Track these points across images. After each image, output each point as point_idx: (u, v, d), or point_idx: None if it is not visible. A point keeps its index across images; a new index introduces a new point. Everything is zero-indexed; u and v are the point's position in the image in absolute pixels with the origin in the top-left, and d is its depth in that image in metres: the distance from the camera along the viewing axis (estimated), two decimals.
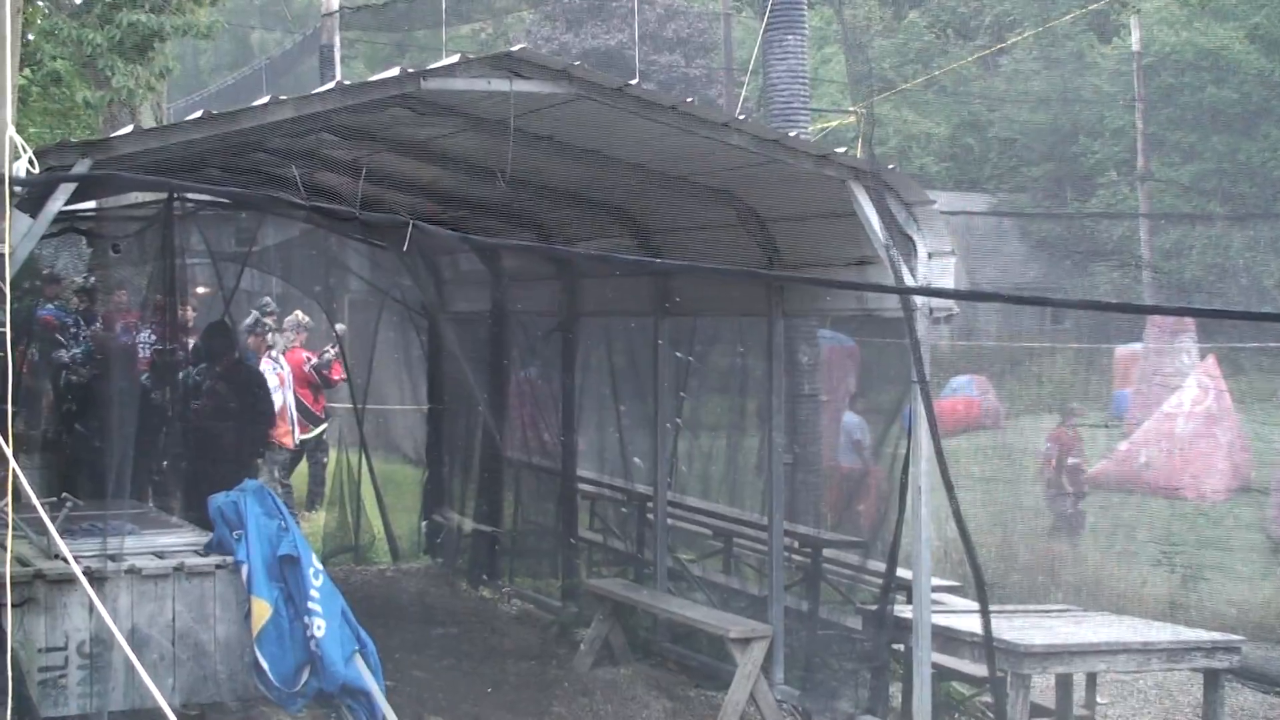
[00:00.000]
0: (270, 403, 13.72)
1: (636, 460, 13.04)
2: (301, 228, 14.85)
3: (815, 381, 13.43)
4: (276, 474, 14.96)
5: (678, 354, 11.83)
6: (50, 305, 13.44)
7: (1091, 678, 10.34)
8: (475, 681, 10.62)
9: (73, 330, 13.10)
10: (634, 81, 8.24)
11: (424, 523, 14.93)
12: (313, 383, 16.87)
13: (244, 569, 7.91)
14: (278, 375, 15.32)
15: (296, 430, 15.88)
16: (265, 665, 7.78)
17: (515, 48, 8.08)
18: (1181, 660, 9.28)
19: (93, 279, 13.81)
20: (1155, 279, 29.51)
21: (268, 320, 15.93)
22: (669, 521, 11.98)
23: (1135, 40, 33.48)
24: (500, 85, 7.94)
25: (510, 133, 8.13)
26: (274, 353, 15.61)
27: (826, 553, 11.45)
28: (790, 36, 13.55)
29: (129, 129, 7.73)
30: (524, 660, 11.24)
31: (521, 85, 7.96)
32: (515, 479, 13.93)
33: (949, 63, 38.07)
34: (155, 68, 16.76)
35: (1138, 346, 23.46)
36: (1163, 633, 9.47)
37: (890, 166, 8.57)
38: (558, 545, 13.08)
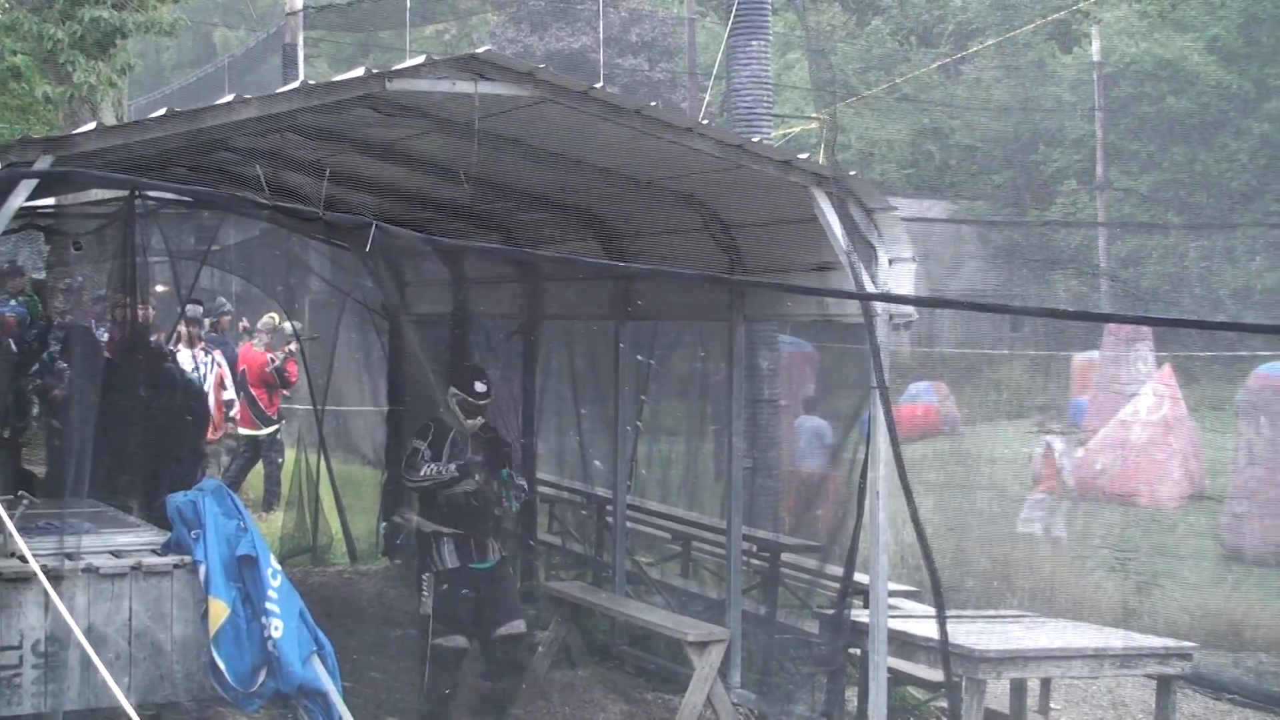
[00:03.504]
0: (202, 401, 13.68)
1: (596, 463, 13.06)
2: (262, 227, 14.80)
3: (775, 387, 13.50)
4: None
5: (639, 358, 11.86)
6: (14, 302, 13.38)
7: (1046, 683, 10.43)
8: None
9: (33, 331, 13.04)
10: (599, 85, 8.25)
11: (383, 524, 14.88)
12: (269, 383, 16.82)
13: (201, 569, 7.88)
14: (218, 371, 15.25)
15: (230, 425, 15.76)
16: (222, 665, 7.75)
17: (480, 49, 8.07)
18: (1134, 666, 9.37)
19: (80, 280, 13.78)
20: (1113, 287, 29.75)
21: (219, 318, 15.93)
22: (628, 525, 12.00)
23: (1095, 50, 33.74)
24: (465, 87, 7.93)
25: (475, 135, 8.14)
26: (244, 343, 15.54)
27: (784, 557, 11.51)
28: (754, 41, 13.61)
29: (92, 126, 7.69)
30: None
31: (486, 87, 7.95)
32: None
33: (911, 70, 38.26)
34: (117, 64, 16.69)
35: (1095, 354, 23.67)
36: (1116, 639, 9.55)
37: (852, 173, 8.62)
38: (516, 548, 13.05)
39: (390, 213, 11.56)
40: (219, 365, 15.37)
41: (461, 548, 9.30)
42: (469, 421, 9.40)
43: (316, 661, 7.85)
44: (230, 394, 15.69)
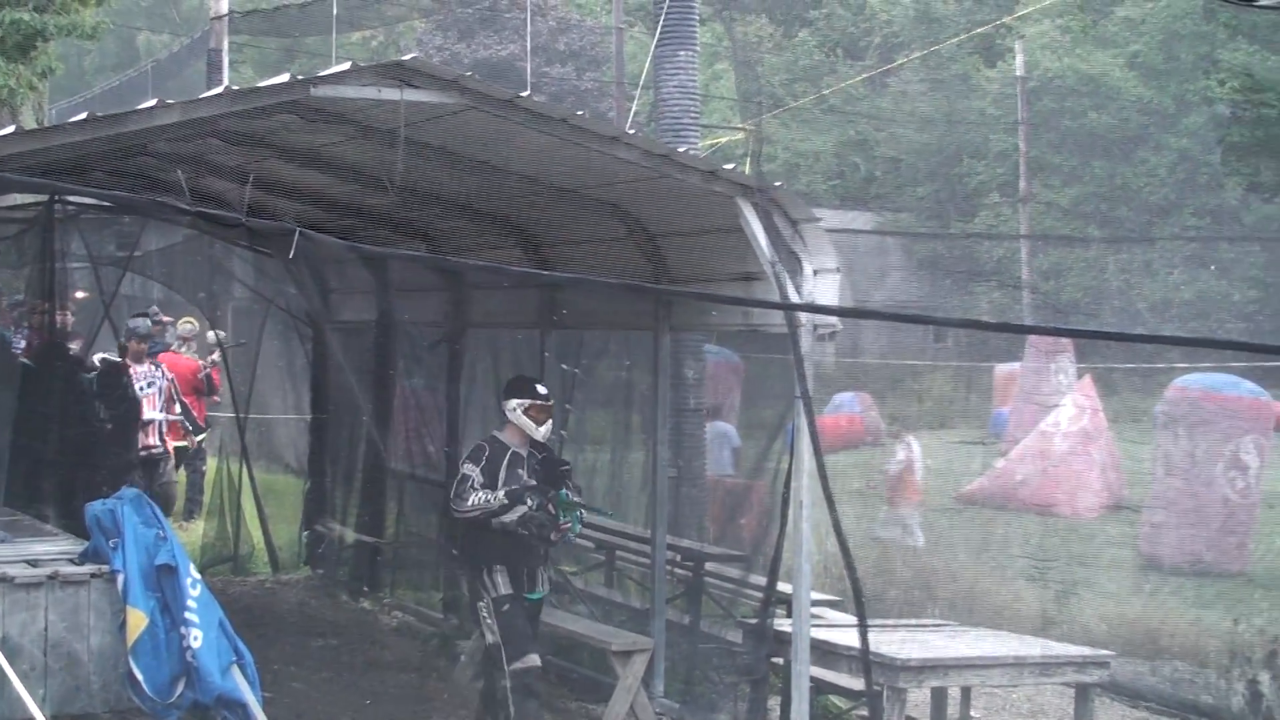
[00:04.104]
0: (136, 410, 13.53)
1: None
2: (185, 233, 14.68)
3: (701, 396, 13.53)
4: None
5: (564, 366, 11.85)
6: None
7: (966, 691, 10.51)
8: (354, 694, 10.54)
9: None
10: (525, 93, 8.25)
11: (305, 533, 14.78)
12: (200, 390, 16.65)
13: (120, 578, 7.78)
14: (166, 382, 15.00)
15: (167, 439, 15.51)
16: (140, 676, 7.66)
17: (406, 56, 8.05)
18: (1053, 674, 9.48)
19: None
20: (1034, 300, 30.10)
21: (157, 324, 15.71)
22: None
23: (1019, 64, 34.11)
24: (391, 94, 7.91)
25: (400, 142, 8.11)
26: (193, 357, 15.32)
27: (709, 566, 11.52)
28: (682, 52, 13.63)
29: (10, 129, 7.61)
30: (404, 672, 11.18)
31: (412, 94, 7.94)
32: (398, 490, 13.85)
33: (838, 81, 38.52)
34: (37, 67, 16.48)
35: (1016, 366, 23.95)
36: (1035, 647, 9.65)
37: (777, 183, 8.66)
38: (440, 557, 13.02)
39: (314, 219, 11.51)
40: (168, 379, 15.08)
41: (514, 577, 8.98)
42: (541, 429, 9.07)
43: (236, 672, 7.77)
44: (177, 406, 15.46)
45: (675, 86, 13.60)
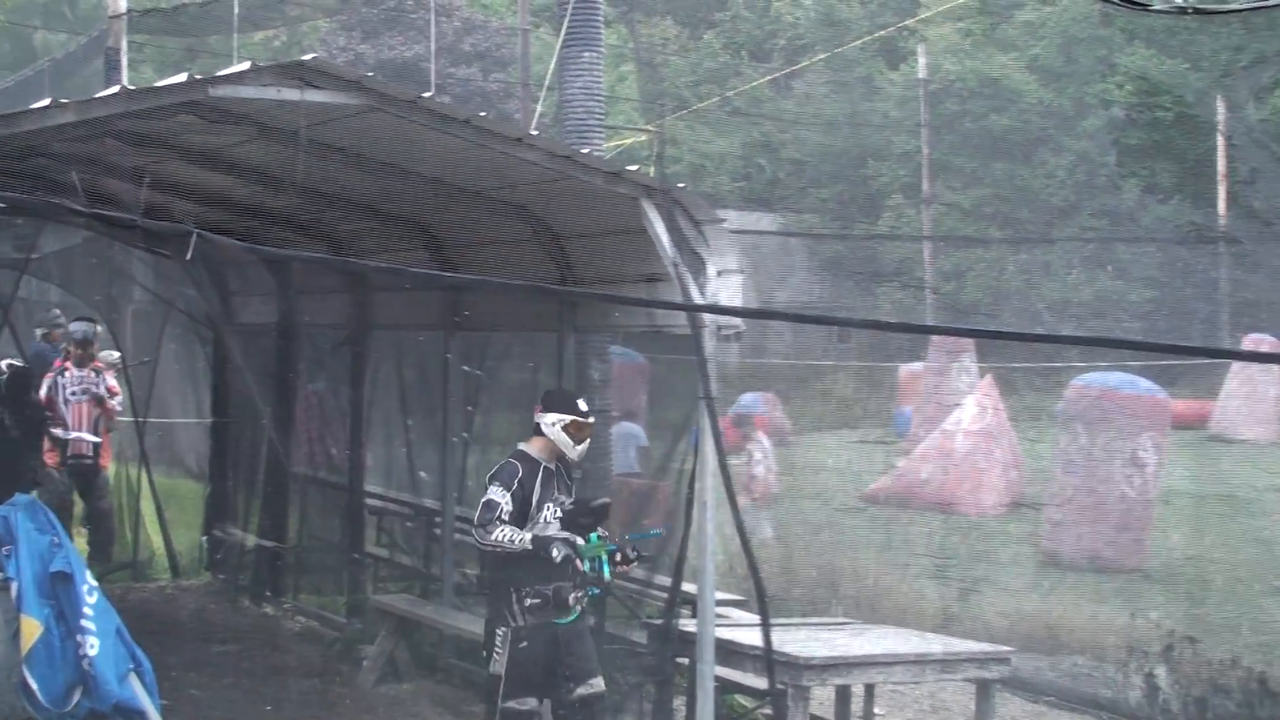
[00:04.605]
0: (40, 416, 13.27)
1: (422, 474, 12.98)
2: (83, 235, 14.45)
3: (607, 398, 13.53)
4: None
5: (466, 368, 11.80)
6: None
7: (869, 689, 10.58)
8: (255, 700, 10.43)
9: None
10: (429, 94, 8.21)
11: (205, 538, 14.62)
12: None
13: (13, 586, 7.67)
14: (103, 390, 14.50)
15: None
16: (34, 685, 7.55)
17: (307, 57, 7.99)
18: (955, 671, 9.57)
19: None
20: (937, 300, 30.42)
21: (51, 331, 15.41)
22: (457, 536, 11.93)
23: (922, 67, 34.48)
24: (291, 94, 7.84)
25: (301, 143, 8.05)
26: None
27: None
28: (587, 53, 13.61)
29: None
30: (306, 678, 11.09)
31: (313, 95, 7.87)
32: (301, 494, 13.74)
33: (743, 84, 38.70)
34: None
35: (920, 366, 24.20)
36: (937, 644, 9.74)
37: (680, 185, 8.69)
38: (343, 561, 12.93)
39: (214, 221, 11.38)
40: (105, 386, 14.61)
41: (542, 603, 8.20)
42: (579, 447, 8.39)
43: (134, 679, 7.70)
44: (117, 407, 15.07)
45: (580, 88, 13.58)
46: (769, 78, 38.04)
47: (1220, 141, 28.75)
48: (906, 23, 37.21)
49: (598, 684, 8.40)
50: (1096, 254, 30.32)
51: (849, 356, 31.06)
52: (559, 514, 8.31)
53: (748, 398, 24.15)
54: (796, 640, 9.16)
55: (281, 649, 11.97)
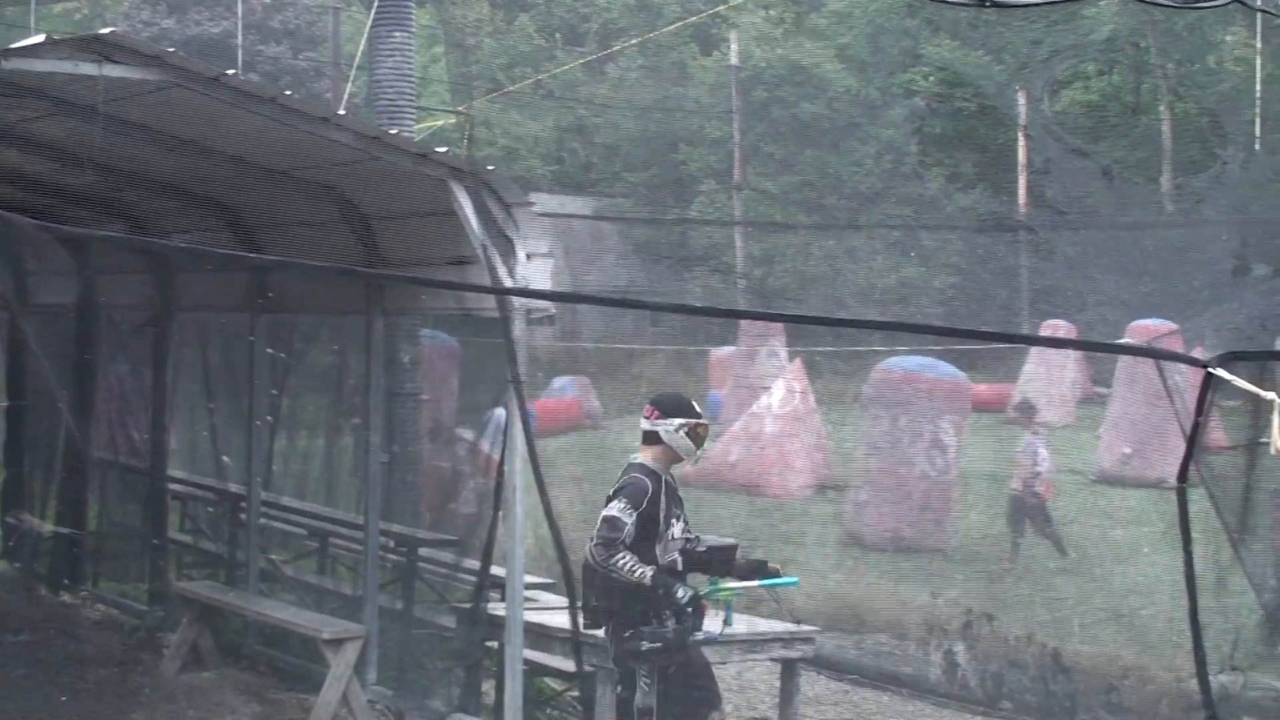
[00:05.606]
0: None
1: (226, 459, 12.77)
2: None
3: (416, 381, 13.46)
4: None
5: (270, 350, 11.63)
6: None
7: None
8: (51, 690, 10.17)
9: None
10: (233, 71, 8.07)
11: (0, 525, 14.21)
12: None
13: None
14: None
15: None
16: None
17: (105, 30, 7.80)
18: (760, 651, 9.71)
19: None
20: (746, 285, 30.79)
21: None
22: (262, 522, 11.77)
23: (734, 54, 34.82)
24: (88, 69, 7.65)
25: (99, 119, 7.85)
26: None
27: (423, 552, 11.49)
28: (398, 33, 13.53)
29: None
30: (105, 667, 10.84)
31: (111, 70, 7.68)
32: (100, 479, 13.41)
33: (557, 67, 38.67)
34: None
35: (730, 350, 24.47)
36: (741, 625, 9.86)
37: (490, 167, 8.68)
38: (144, 547, 12.67)
39: (8, 198, 11.02)
40: None
41: (663, 645, 7.52)
42: (699, 452, 7.87)
43: None
44: None
45: (391, 68, 13.49)
46: (582, 61, 38.07)
47: (1020, 132, 29.54)
48: (719, 9, 37.52)
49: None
50: (901, 241, 30.96)
51: (661, 340, 31.27)
52: (684, 534, 7.79)
53: (561, 381, 24.22)
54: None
55: (80, 638, 11.69)
